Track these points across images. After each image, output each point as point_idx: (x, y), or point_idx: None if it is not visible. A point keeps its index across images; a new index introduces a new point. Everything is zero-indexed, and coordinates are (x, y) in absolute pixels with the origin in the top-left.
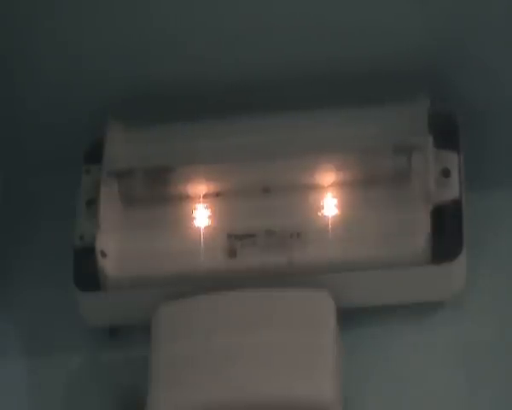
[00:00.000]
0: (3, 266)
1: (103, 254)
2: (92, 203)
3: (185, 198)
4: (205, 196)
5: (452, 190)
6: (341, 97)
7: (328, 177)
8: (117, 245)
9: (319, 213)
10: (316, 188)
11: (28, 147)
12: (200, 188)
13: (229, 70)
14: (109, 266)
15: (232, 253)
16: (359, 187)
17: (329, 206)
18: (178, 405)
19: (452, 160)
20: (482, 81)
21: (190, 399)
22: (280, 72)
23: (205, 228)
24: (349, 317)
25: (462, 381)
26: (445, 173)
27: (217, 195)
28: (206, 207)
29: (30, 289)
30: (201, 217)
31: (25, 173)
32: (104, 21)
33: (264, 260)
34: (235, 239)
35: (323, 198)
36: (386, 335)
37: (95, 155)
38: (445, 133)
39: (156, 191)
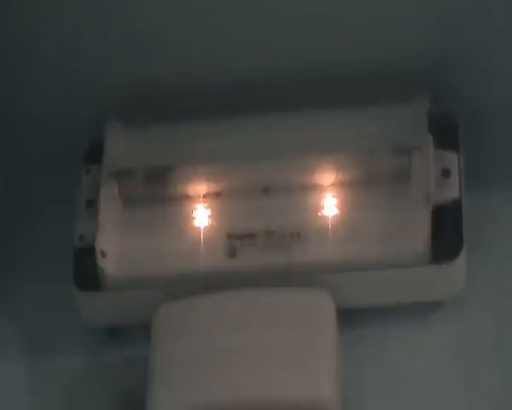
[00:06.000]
0: (3, 265)
1: (103, 254)
2: (92, 203)
3: (185, 198)
4: (205, 196)
5: (452, 190)
6: (341, 97)
7: (328, 177)
8: (117, 245)
9: (319, 213)
10: (316, 188)
11: (28, 147)
12: (200, 188)
13: (228, 70)
14: (109, 266)
15: (232, 253)
16: (359, 187)
17: (329, 206)
18: (178, 405)
19: (452, 160)
20: (482, 81)
21: (190, 399)
22: (280, 72)
23: (205, 228)
24: (349, 317)
25: (462, 381)
26: (445, 173)
27: (217, 195)
28: (206, 207)
29: (30, 289)
30: (201, 217)
31: (25, 173)
32: (104, 21)
33: (263, 260)
34: (235, 239)
35: (323, 198)
36: (386, 335)
37: (95, 155)
38: (445, 133)
39: (156, 191)
